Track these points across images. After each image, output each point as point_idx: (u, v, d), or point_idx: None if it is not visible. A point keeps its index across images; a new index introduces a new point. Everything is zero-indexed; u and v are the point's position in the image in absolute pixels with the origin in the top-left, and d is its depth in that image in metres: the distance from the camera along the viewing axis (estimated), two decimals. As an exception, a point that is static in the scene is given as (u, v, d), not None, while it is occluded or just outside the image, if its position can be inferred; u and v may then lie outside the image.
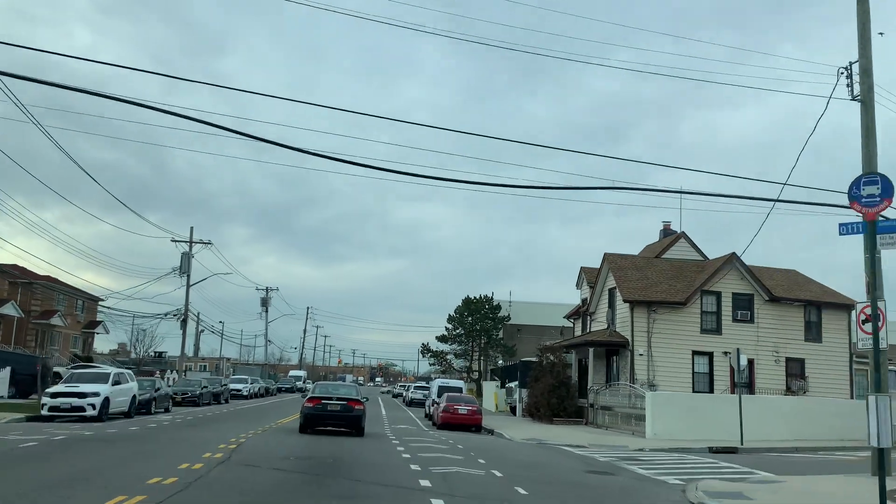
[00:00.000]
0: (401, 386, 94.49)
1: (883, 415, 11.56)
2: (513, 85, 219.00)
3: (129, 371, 31.94)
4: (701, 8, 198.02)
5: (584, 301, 41.97)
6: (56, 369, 40.05)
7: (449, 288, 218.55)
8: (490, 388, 52.35)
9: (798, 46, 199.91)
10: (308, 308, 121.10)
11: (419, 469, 14.83)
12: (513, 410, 45.12)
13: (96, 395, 26.44)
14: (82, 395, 26.23)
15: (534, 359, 45.19)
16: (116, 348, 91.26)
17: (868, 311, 13.58)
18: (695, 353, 35.68)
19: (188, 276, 57.93)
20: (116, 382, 28.27)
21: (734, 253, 36.42)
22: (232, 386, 57.51)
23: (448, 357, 74.49)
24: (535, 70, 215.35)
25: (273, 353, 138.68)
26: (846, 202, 13.52)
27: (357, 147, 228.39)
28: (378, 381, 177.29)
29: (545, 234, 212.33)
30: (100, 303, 65.99)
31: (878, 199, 12.70)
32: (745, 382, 36.29)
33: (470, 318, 73.07)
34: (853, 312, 24.85)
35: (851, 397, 35.82)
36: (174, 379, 53.00)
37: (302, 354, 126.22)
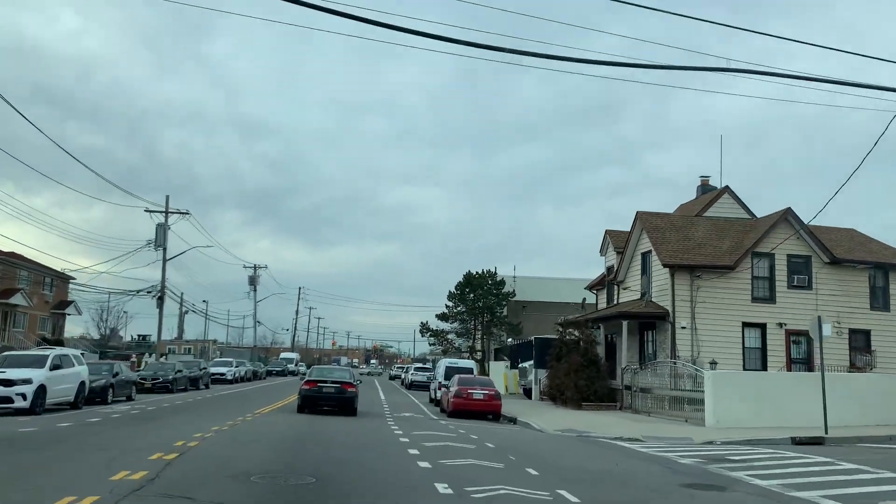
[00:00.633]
0: (398, 367, 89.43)
1: None
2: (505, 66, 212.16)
3: (77, 353, 26.71)
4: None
5: (609, 269, 36.85)
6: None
7: (442, 270, 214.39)
8: (498, 369, 47.33)
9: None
10: (300, 288, 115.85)
11: (450, 491, 9.74)
12: (526, 393, 40.12)
13: (27, 382, 21.25)
14: (9, 383, 21.04)
15: (553, 336, 40.19)
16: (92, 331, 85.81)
17: None
18: (745, 324, 30.67)
19: (164, 249, 52.63)
20: (56, 367, 23.05)
21: (789, 208, 31.36)
22: (214, 370, 52.26)
23: (449, 336, 69.42)
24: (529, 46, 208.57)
25: (265, 336, 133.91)
26: None
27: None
28: (373, 363, 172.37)
29: (537, 216, 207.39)
30: (72, 282, 60.64)
31: None
32: (801, 358, 31.38)
33: (472, 295, 67.96)
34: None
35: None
36: (147, 363, 47.78)
37: (294, 336, 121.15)
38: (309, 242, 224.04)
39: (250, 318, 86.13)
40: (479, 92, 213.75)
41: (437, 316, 68.85)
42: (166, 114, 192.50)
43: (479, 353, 67.04)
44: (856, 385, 26.27)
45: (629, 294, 33.95)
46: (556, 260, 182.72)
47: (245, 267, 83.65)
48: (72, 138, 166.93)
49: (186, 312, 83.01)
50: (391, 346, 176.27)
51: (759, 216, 33.93)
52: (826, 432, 21.46)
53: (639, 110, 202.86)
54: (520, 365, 42.47)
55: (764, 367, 30.13)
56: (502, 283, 67.75)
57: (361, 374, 64.78)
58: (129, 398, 29.87)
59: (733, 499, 10.64)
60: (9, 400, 20.85)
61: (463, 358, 59.35)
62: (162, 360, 51.67)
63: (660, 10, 14.26)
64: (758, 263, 31.07)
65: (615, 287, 35.71)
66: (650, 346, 32.06)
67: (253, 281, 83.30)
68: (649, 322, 31.70)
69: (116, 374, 28.66)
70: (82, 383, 24.66)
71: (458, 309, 68.45)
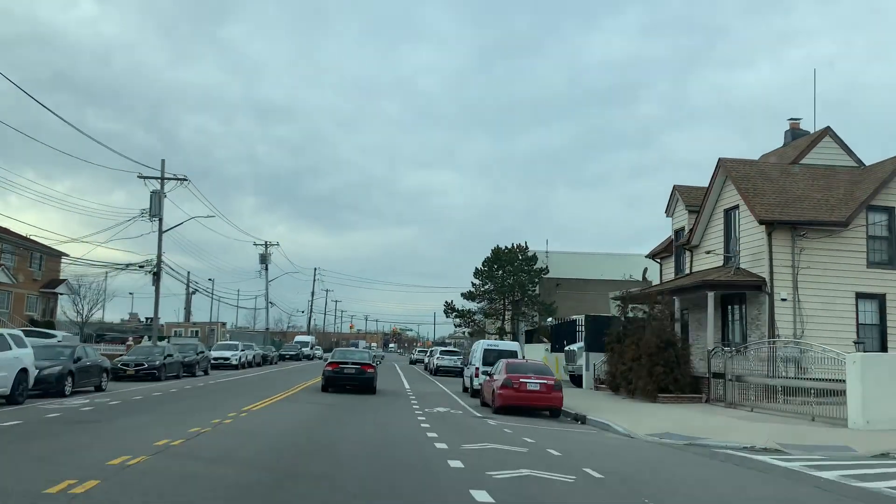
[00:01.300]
0: (420, 351, 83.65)
1: None
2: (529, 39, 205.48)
3: (18, 333, 21.07)
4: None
5: (678, 233, 30.76)
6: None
7: (460, 255, 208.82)
8: (537, 352, 41.41)
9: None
10: (315, 269, 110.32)
11: None
12: (574, 381, 34.18)
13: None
14: None
15: (607, 313, 34.45)
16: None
17: None
18: (859, 295, 24.57)
19: (160, 219, 47.04)
20: (-19, 350, 17.42)
21: (915, 151, 25.00)
22: (216, 354, 46.82)
23: (476, 317, 63.64)
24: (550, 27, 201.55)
25: (281, 320, 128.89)
26: None
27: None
28: (392, 347, 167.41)
29: (555, 199, 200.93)
30: (65, 258, 55.30)
31: None
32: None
33: (500, 272, 62.10)
34: None
35: None
36: (131, 346, 42.35)
37: (310, 318, 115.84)
38: (326, 227, 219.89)
39: (262, 298, 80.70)
40: (495, 74, 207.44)
41: (462, 295, 63.13)
42: (184, 98, 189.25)
43: (508, 336, 61.19)
44: None
45: (706, 261, 27.87)
46: (578, 243, 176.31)
47: (256, 245, 78.08)
48: (91, 123, 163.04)
49: (194, 293, 78.09)
50: (410, 330, 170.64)
51: (867, 164, 27.67)
52: None
53: (657, 91, 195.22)
54: (566, 348, 36.53)
55: (883, 348, 24.07)
56: (534, 258, 61.80)
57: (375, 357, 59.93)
58: (99, 388, 24.34)
59: None
60: None
61: (491, 339, 53.42)
62: (163, 343, 46.26)
63: None
64: (874, 220, 24.90)
65: (686, 254, 29.63)
66: (736, 323, 26.03)
67: (264, 259, 77.73)
68: (736, 294, 25.67)
69: (78, 359, 23.04)
70: (23, 371, 19.03)
71: (486, 287, 62.63)
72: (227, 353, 46.89)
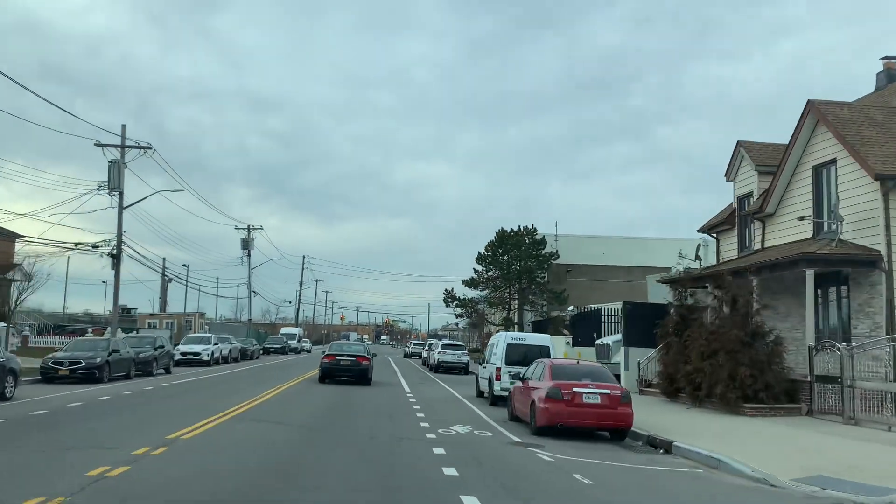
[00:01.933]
0: (416, 344, 77.53)
1: None
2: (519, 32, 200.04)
3: None
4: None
5: (742, 200, 24.92)
6: None
7: (454, 246, 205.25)
8: (557, 346, 35.48)
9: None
10: (304, 257, 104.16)
11: None
12: (607, 380, 28.23)
13: None
14: None
15: (647, 300, 28.83)
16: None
17: None
18: None
19: (120, 193, 40.95)
20: None
21: None
22: (185, 348, 40.90)
23: (479, 306, 57.79)
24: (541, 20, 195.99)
25: (268, 311, 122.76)
26: None
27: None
28: (384, 339, 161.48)
29: (548, 190, 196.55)
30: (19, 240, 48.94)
31: None
32: None
33: (506, 257, 56.26)
34: None
35: None
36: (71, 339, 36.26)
37: (298, 309, 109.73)
38: (318, 219, 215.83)
39: (245, 287, 74.47)
40: (487, 65, 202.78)
41: (464, 282, 57.30)
42: (174, 90, 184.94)
43: (514, 327, 55.36)
44: None
45: (786, 232, 22.04)
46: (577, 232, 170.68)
47: (237, 229, 71.95)
48: (81, 114, 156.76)
49: (170, 281, 72.04)
50: (404, 322, 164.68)
51: None
52: None
53: (650, 83, 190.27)
54: (598, 342, 30.64)
55: None
56: (542, 242, 55.94)
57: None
58: (2, 396, 18.40)
59: None
60: None
61: (509, 331, 47.24)
62: (122, 335, 40.15)
63: None
64: None
65: (755, 224, 23.79)
66: (836, 309, 20.22)
67: (247, 244, 71.62)
68: (833, 274, 19.86)
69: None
70: None
71: (490, 273, 56.79)
72: (196, 348, 40.88)
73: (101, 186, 40.54)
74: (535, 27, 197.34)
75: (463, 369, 41.05)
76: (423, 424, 15.75)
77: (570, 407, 14.36)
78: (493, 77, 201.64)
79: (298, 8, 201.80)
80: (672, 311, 22.55)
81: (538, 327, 57.05)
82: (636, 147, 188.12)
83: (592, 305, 37.59)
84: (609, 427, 14.72)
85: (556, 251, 55.85)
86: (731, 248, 25.58)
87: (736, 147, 24.86)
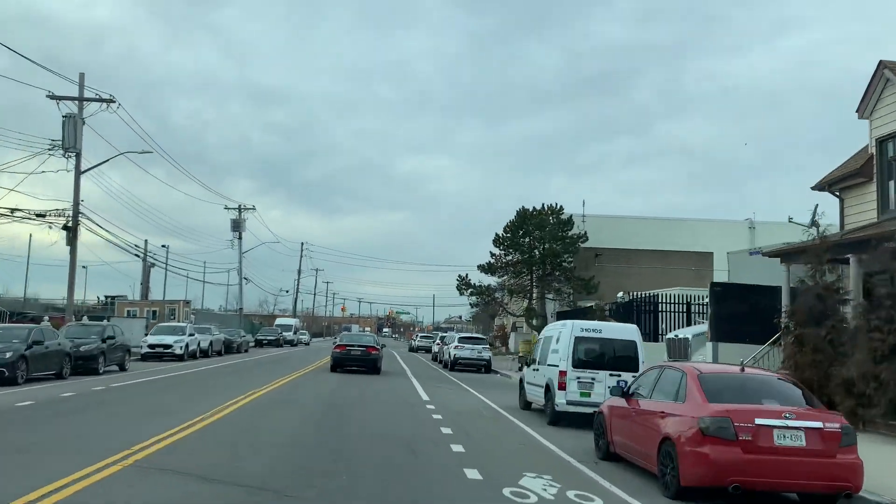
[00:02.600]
0: (423, 337, 70.86)
1: None
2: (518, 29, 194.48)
3: None
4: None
5: (881, 142, 18.21)
6: None
7: (455, 241, 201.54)
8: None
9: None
10: (303, 244, 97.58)
11: None
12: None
13: None
14: None
15: (724, 280, 22.39)
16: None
17: None
18: None
19: (78, 154, 34.39)
20: None
21: None
22: (154, 340, 34.40)
23: (497, 294, 51.15)
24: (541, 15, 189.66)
25: (266, 301, 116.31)
26: None
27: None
28: (386, 332, 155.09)
29: (550, 184, 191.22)
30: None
31: None
32: None
33: (528, 239, 49.59)
34: None
35: None
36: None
37: (296, 299, 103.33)
38: (320, 212, 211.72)
39: (236, 274, 67.78)
40: (489, 59, 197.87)
41: (479, 268, 50.69)
42: (177, 82, 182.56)
43: (537, 319, 48.77)
44: None
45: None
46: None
47: (227, 209, 65.31)
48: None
49: (152, 266, 65.39)
50: (407, 313, 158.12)
51: None
52: None
53: (652, 78, 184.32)
54: (670, 335, 23.94)
55: None
56: (569, 223, 49.29)
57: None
58: None
59: None
60: None
61: (553, 321, 40.33)
62: (71, 323, 33.68)
63: None
64: None
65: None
66: None
67: (237, 226, 65.01)
68: None
69: None
70: None
71: (509, 258, 50.14)
72: (167, 339, 34.29)
73: (54, 146, 34.11)
74: (538, 21, 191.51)
75: (484, 367, 34.54)
76: (469, 475, 9.13)
77: (753, 454, 7.75)
78: (494, 71, 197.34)
79: (301, 1, 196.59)
80: (803, 293, 15.87)
81: (564, 319, 50.57)
82: (637, 143, 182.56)
83: (648, 291, 30.97)
84: (822, 490, 8.08)
85: (585, 232, 49.17)
86: (862, 209, 18.84)
87: (877, 69, 18.12)
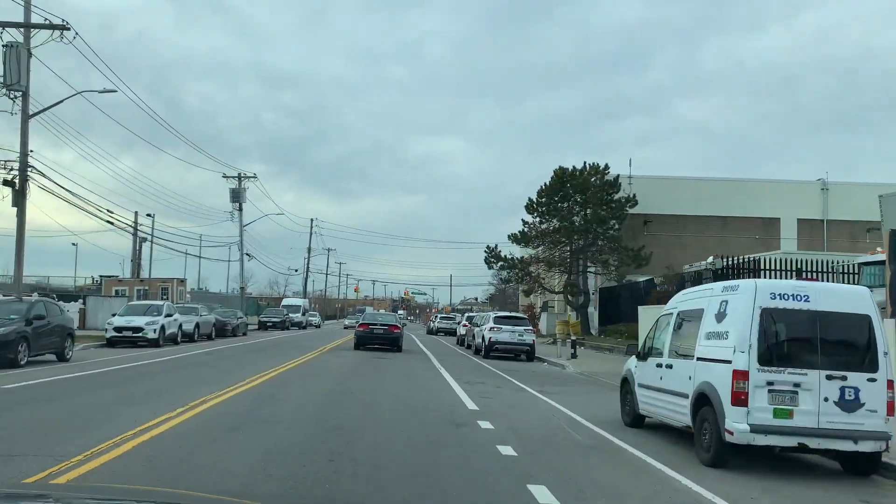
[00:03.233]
0: (443, 318, 64.14)
1: None
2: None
3: None
4: None
5: None
6: None
7: (468, 222, 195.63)
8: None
9: None
10: (312, 220, 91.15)
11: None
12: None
13: None
14: None
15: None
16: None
17: None
18: None
19: (24, 93, 27.82)
20: None
21: None
22: (122, 322, 28.01)
23: (532, 269, 44.32)
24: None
25: (276, 282, 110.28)
26: None
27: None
28: (401, 314, 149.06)
29: (563, 164, 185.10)
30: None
31: None
32: None
33: (566, 204, 42.68)
34: None
35: None
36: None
37: (306, 279, 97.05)
38: (333, 194, 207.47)
39: (237, 248, 61.31)
40: (502, 39, 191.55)
41: (510, 237, 43.81)
42: (190, 65, 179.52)
43: (580, 297, 41.99)
44: None
45: None
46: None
47: (225, 177, 58.71)
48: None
49: (144, 241, 59.09)
50: (424, 294, 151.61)
51: None
52: None
53: (667, 56, 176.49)
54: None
55: None
56: (615, 184, 42.32)
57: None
58: None
59: None
60: None
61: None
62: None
63: None
64: None
65: None
66: None
67: (237, 196, 58.45)
68: None
69: None
70: None
71: (546, 226, 43.30)
72: (138, 321, 27.90)
73: (-3, 83, 27.56)
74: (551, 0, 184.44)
75: (527, 353, 27.94)
76: None
77: None
78: (507, 51, 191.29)
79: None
80: None
81: (608, 296, 43.82)
82: (653, 122, 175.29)
83: (747, 256, 24.05)
84: None
85: (634, 195, 42.26)
86: None
87: None
